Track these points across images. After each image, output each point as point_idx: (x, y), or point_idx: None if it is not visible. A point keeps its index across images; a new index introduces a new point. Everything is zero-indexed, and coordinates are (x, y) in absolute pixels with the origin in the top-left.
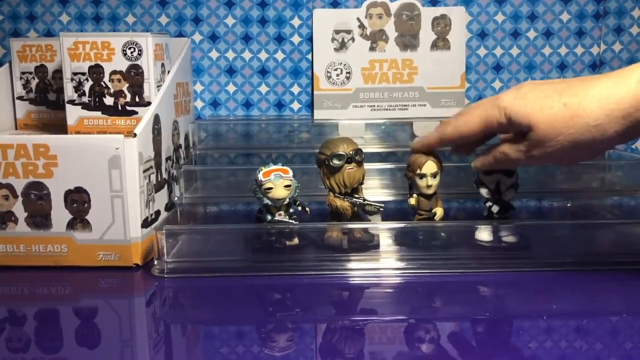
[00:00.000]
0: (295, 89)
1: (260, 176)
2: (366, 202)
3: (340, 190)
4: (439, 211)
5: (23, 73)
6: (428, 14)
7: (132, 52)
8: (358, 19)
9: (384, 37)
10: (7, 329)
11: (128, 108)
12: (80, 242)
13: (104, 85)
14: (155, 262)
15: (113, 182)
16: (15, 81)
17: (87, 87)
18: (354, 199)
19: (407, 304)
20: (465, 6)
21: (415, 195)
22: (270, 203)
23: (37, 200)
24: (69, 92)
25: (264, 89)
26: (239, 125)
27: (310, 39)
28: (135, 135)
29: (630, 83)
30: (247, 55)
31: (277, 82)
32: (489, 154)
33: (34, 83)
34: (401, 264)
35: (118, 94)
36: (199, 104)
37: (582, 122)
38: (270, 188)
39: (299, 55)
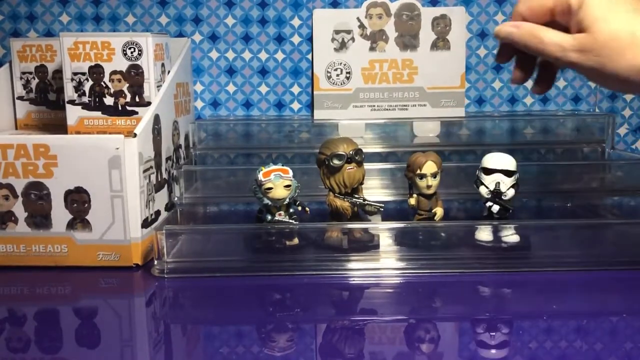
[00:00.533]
0: (295, 89)
1: (260, 176)
2: (366, 202)
3: (340, 190)
4: (439, 211)
5: (23, 73)
6: (428, 14)
7: (132, 52)
8: (358, 19)
9: (384, 37)
10: (7, 329)
11: (128, 108)
12: (80, 242)
13: (104, 85)
14: (155, 262)
15: (113, 182)
16: (15, 81)
17: (87, 87)
18: (354, 199)
19: (407, 304)
20: (465, 6)
21: (415, 195)
22: (270, 203)
23: (37, 200)
24: (69, 92)
25: (264, 89)
26: (239, 125)
27: (310, 39)
28: (135, 135)
29: None
30: (247, 55)
31: (277, 82)
32: (523, 30)
33: (34, 83)
34: (401, 264)
35: (118, 94)
36: (199, 104)
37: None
38: (270, 188)
39: (299, 55)
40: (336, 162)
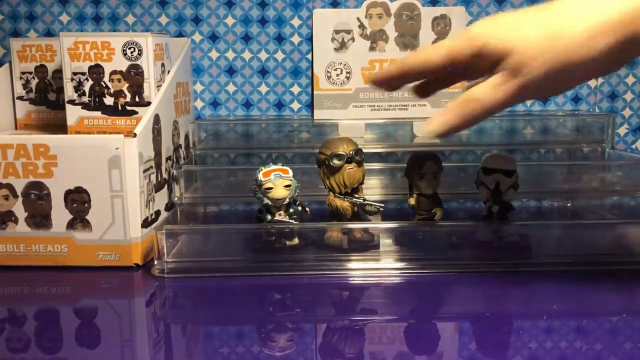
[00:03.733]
0: (295, 89)
1: (260, 176)
2: (366, 202)
3: (341, 190)
4: (439, 211)
5: (23, 73)
6: (428, 14)
7: (132, 52)
8: (358, 19)
9: (384, 37)
10: (7, 329)
11: (128, 108)
12: (80, 242)
13: (104, 85)
14: (155, 262)
15: (113, 182)
16: (15, 81)
17: (87, 87)
18: (354, 199)
19: (407, 304)
20: (465, 6)
21: (415, 195)
22: (270, 203)
23: (37, 200)
24: (69, 92)
25: (264, 89)
26: (239, 125)
27: (310, 39)
28: (135, 135)
29: (615, 1)
30: (247, 55)
31: (277, 82)
32: (453, 110)
33: (34, 83)
34: (401, 264)
35: (118, 94)
36: (199, 104)
37: (566, 42)
38: (270, 188)
39: (299, 55)
40: (336, 162)
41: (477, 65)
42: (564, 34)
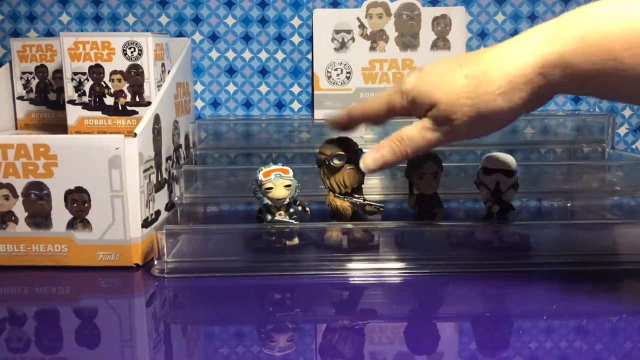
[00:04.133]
0: (296, 89)
1: (261, 176)
2: (366, 202)
3: (341, 190)
4: (439, 211)
5: (23, 73)
6: (428, 14)
7: (132, 52)
8: (358, 18)
9: (384, 37)
10: (7, 329)
11: (128, 108)
12: (80, 242)
13: (104, 85)
14: (155, 262)
15: (113, 182)
16: (15, 81)
17: (87, 87)
18: (354, 199)
19: (407, 304)
20: (465, 6)
21: (415, 195)
22: (270, 203)
23: (37, 200)
24: (69, 92)
25: (264, 88)
26: (239, 125)
27: (310, 39)
28: (135, 135)
29: (530, 47)
30: (247, 55)
31: (277, 82)
32: (385, 147)
33: (34, 83)
34: (401, 264)
35: (118, 94)
36: (199, 103)
37: (486, 91)
38: (271, 188)
39: (299, 55)
40: (336, 162)
41: (412, 111)
42: (484, 86)
